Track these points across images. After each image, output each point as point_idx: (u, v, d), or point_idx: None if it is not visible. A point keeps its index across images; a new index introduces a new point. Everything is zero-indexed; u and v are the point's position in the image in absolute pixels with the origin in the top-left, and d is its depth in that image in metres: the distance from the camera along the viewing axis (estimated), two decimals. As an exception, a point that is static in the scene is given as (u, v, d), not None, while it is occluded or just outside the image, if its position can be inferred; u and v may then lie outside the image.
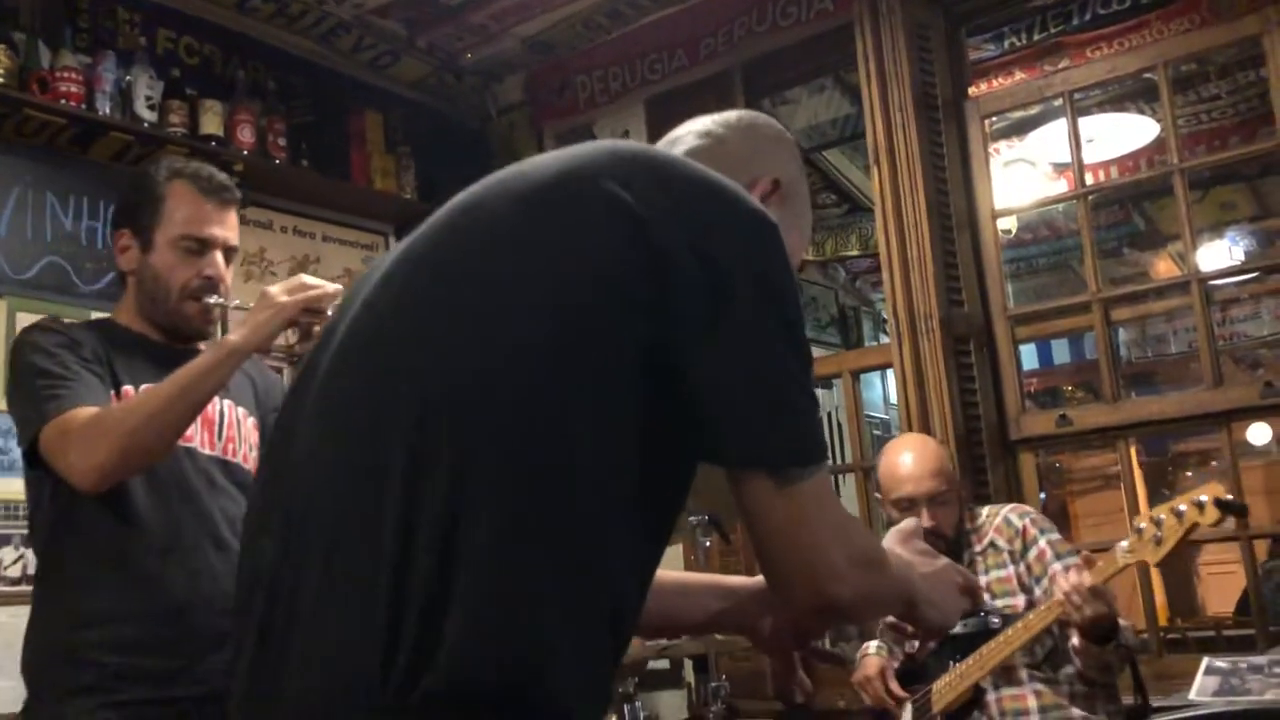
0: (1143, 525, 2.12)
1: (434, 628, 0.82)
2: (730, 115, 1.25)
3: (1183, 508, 2.09)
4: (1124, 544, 2.15)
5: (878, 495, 2.55)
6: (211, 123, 3.39)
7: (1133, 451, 3.27)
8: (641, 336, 0.89)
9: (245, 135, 3.46)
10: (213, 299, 1.87)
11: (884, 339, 5.98)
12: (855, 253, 5.38)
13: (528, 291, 0.90)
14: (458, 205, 1.02)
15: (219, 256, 1.89)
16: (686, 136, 1.22)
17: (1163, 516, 2.10)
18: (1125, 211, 5.12)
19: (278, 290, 1.75)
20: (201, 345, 1.92)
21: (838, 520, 0.94)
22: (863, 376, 3.76)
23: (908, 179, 3.17)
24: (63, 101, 3.05)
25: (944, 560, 1.16)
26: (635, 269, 0.89)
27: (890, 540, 1.15)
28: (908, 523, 1.21)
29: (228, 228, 1.91)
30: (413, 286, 0.97)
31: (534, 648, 0.83)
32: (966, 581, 1.18)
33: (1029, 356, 6.04)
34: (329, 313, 1.68)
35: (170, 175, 1.89)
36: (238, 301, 1.91)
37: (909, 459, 2.47)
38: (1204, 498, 2.07)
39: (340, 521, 0.89)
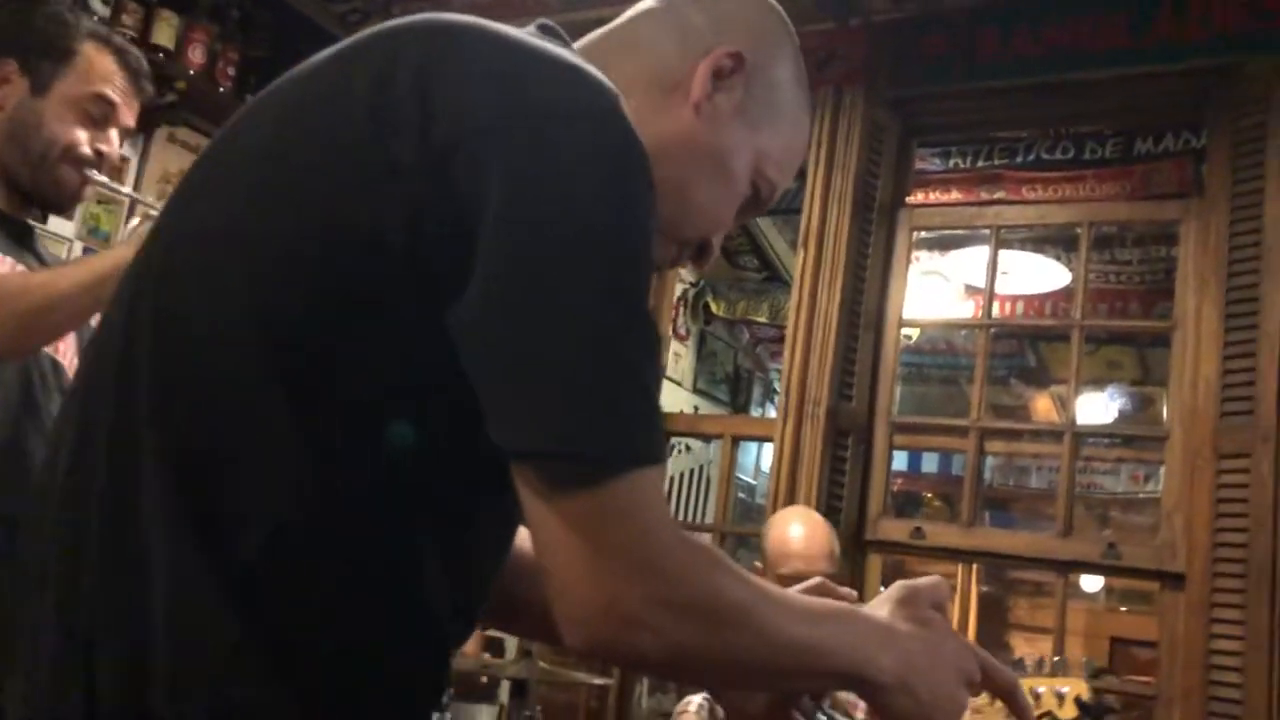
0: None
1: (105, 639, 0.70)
2: None
3: (1040, 689, 1.97)
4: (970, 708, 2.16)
5: (758, 565, 2.53)
6: (164, 33, 3.31)
7: (974, 572, 3.40)
8: (385, 290, 0.70)
9: (196, 55, 3.38)
10: (97, 175, 1.73)
11: (770, 408, 6.10)
12: (763, 320, 5.49)
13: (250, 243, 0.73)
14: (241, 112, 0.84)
15: (115, 136, 1.76)
16: (628, 13, 0.96)
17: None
18: (1020, 346, 5.33)
19: None
20: (40, 227, 1.78)
21: (643, 545, 0.68)
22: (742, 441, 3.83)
23: (830, 269, 3.26)
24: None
25: (952, 638, 0.84)
26: (372, 198, 0.69)
27: (892, 594, 0.84)
28: (927, 582, 0.86)
29: (133, 116, 1.78)
30: (160, 226, 0.82)
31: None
32: (973, 672, 0.84)
33: (900, 457, 6.22)
34: None
35: (91, 34, 1.74)
36: (128, 189, 1.79)
37: (803, 535, 2.43)
38: (1065, 689, 1.94)
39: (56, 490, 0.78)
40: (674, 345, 5.14)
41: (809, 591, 0.89)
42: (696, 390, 5.73)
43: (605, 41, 0.93)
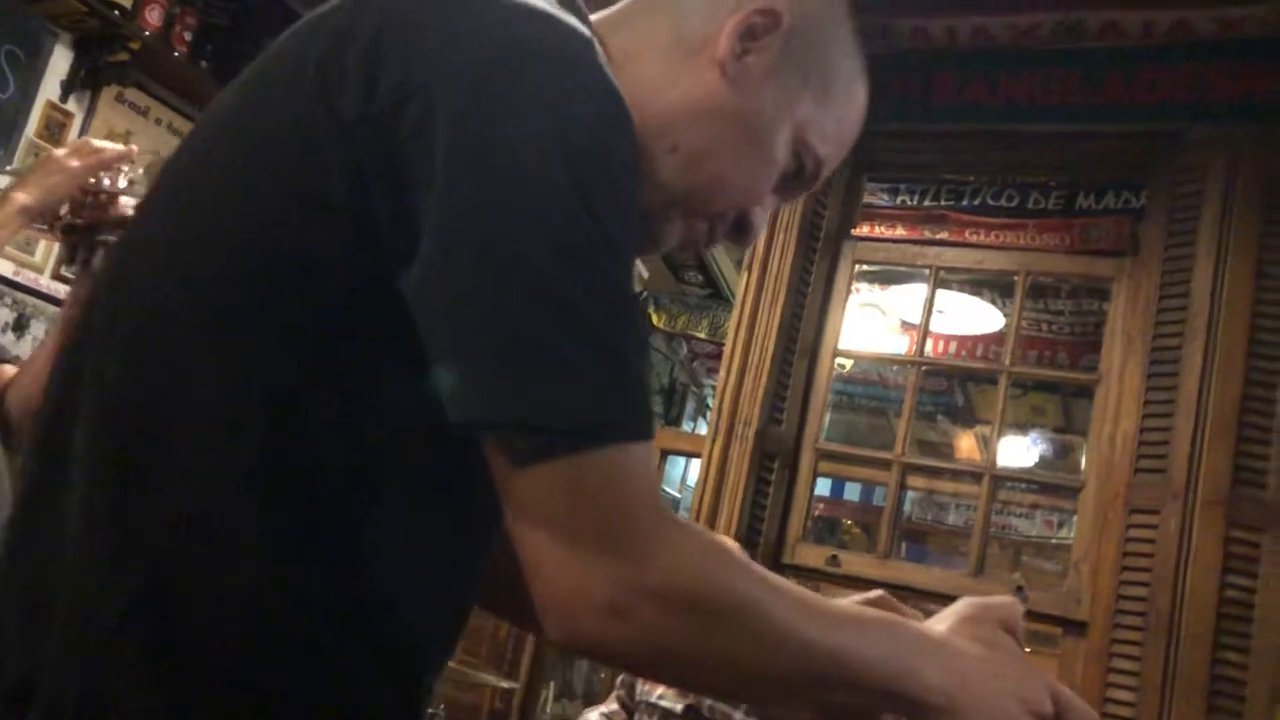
0: None
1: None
2: None
3: None
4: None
5: None
6: (122, -9, 3.25)
7: (885, 607, 3.44)
8: (329, 252, 0.65)
9: (153, 16, 3.32)
10: None
11: (702, 423, 6.14)
12: (703, 336, 5.52)
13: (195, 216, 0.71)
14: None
15: None
16: None
17: None
18: (950, 384, 5.42)
19: (65, 153, 1.61)
20: None
21: (622, 524, 0.62)
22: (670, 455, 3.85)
23: (771, 293, 3.30)
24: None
25: (1019, 664, 0.73)
26: (312, 157, 0.66)
27: (956, 609, 0.76)
28: (999, 600, 0.79)
29: None
30: (150, 202, 0.80)
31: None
32: (1041, 704, 0.72)
33: (823, 483, 6.30)
34: (116, 183, 1.56)
35: None
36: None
37: None
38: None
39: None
40: (611, 353, 5.14)
41: (867, 604, 0.78)
42: (630, 400, 5.74)
43: (632, 3, 0.87)
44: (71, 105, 3.34)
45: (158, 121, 3.58)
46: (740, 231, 0.87)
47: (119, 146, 1.63)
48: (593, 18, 0.83)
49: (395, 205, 0.63)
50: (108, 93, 3.44)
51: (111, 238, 1.47)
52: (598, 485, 0.61)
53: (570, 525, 0.61)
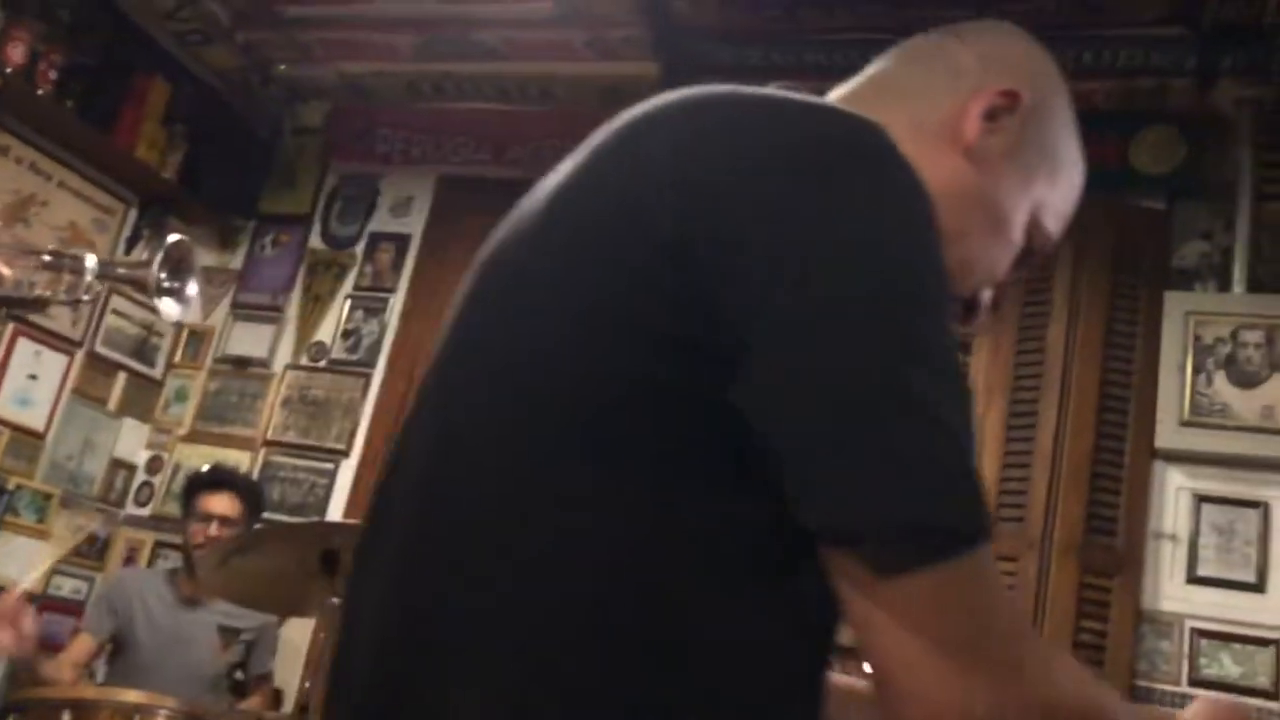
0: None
1: None
2: (970, 24, 0.90)
3: None
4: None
5: None
6: (-16, 27, 3.14)
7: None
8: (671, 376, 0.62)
9: (16, 53, 3.23)
10: None
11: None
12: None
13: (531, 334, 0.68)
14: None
15: None
16: (888, 54, 0.89)
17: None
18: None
19: None
20: None
21: (991, 636, 0.60)
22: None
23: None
24: None
25: None
26: (646, 285, 0.63)
27: (1198, 710, 0.79)
28: (1224, 704, 0.82)
29: None
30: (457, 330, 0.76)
31: None
32: None
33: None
34: None
35: None
36: None
37: None
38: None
39: None
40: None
41: (1218, 714, 0.82)
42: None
43: (865, 89, 0.85)
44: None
45: (18, 161, 3.46)
46: (970, 312, 0.85)
47: None
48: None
49: (720, 324, 0.61)
50: (-34, 130, 3.31)
51: None
52: (968, 591, 0.59)
53: (943, 635, 0.58)
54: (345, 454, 3.60)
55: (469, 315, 0.75)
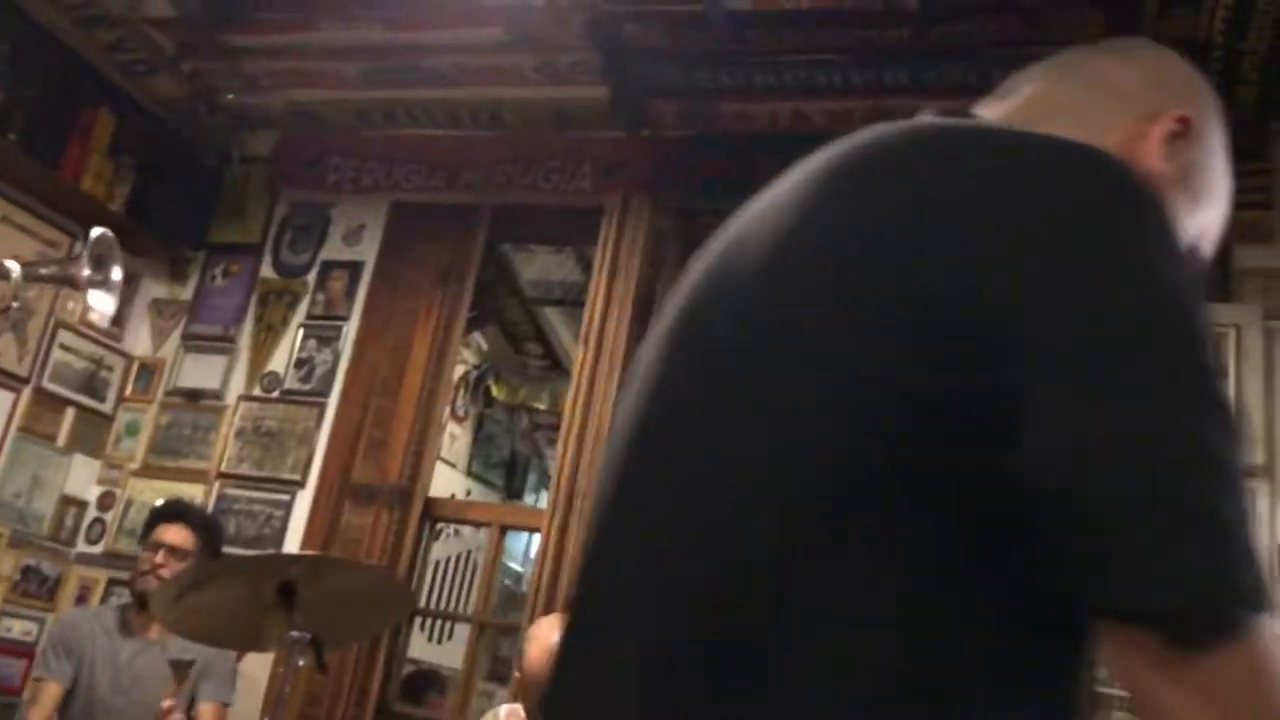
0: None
1: None
2: (1114, 42, 0.88)
3: None
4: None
5: (517, 675, 2.44)
6: (-80, 61, 3.10)
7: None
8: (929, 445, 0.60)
9: (-44, 87, 3.18)
10: None
11: (544, 494, 6.11)
12: (543, 408, 5.52)
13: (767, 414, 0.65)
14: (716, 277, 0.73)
15: None
16: (1036, 73, 0.86)
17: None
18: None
19: None
20: None
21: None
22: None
23: (607, 367, 3.34)
24: None
25: None
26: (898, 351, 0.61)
27: None
28: None
29: None
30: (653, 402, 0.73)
31: None
32: None
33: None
34: None
35: None
36: None
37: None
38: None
39: None
40: (451, 427, 5.10)
41: None
42: (471, 474, 5.68)
43: (1033, 110, 0.82)
44: None
45: (-39, 196, 3.41)
46: None
47: None
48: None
49: (988, 385, 0.59)
50: (-95, 166, 3.26)
51: None
52: (1259, 667, 0.56)
53: (1239, 710, 0.56)
54: (301, 484, 3.56)
55: (685, 377, 0.71)
